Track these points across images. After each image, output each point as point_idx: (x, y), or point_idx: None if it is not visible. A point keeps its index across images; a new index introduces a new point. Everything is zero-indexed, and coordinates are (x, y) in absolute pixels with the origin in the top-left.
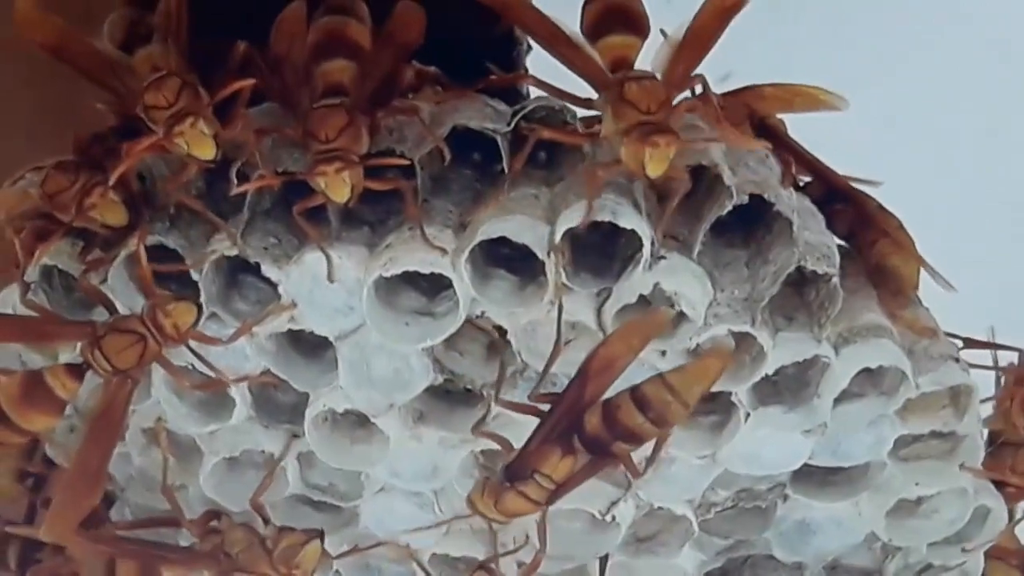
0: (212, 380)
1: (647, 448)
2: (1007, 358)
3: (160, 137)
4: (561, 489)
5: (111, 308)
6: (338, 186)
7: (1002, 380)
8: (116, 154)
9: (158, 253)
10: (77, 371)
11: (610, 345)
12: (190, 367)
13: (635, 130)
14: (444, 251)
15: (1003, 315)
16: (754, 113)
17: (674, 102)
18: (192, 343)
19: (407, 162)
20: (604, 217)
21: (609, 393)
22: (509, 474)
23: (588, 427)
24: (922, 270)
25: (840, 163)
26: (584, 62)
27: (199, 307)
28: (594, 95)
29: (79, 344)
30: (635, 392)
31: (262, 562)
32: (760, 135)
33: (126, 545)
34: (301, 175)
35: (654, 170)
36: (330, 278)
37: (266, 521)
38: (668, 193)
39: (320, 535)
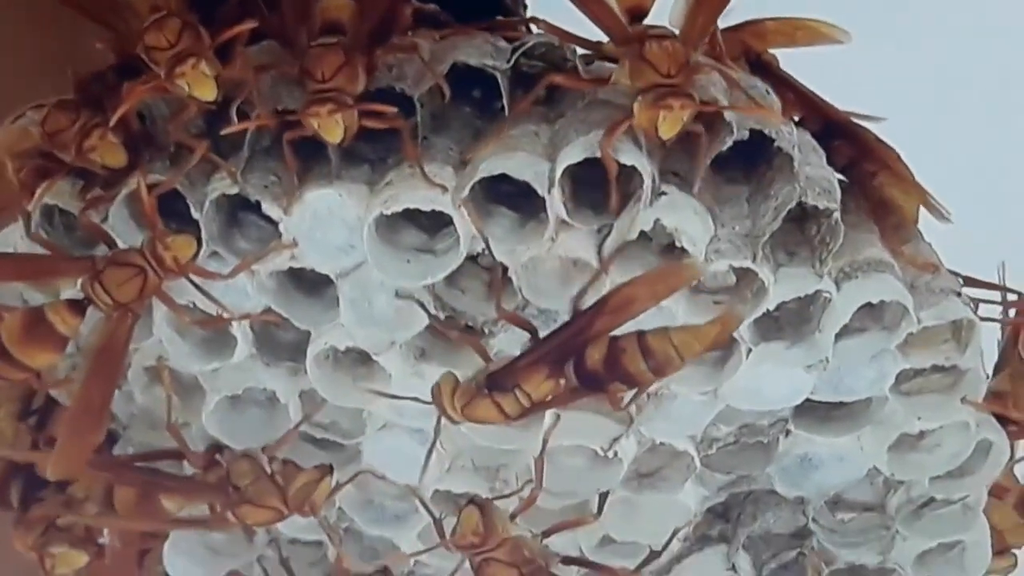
0: (213, 317)
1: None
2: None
3: (161, 78)
4: (534, 408)
5: (111, 244)
6: (331, 127)
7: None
8: (116, 93)
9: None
10: (78, 307)
11: (634, 286)
12: (191, 305)
13: (651, 91)
14: (444, 188)
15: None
16: (750, 49)
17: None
18: (193, 280)
19: (396, 109)
20: None
21: (616, 332)
22: (492, 382)
23: (588, 360)
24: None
25: (842, 99)
26: (601, 10)
27: (199, 240)
28: (603, 38)
29: (80, 280)
30: (642, 339)
31: (272, 496)
32: (755, 71)
33: (126, 472)
34: (294, 117)
35: (667, 131)
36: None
37: (271, 459)
38: None
39: (330, 470)
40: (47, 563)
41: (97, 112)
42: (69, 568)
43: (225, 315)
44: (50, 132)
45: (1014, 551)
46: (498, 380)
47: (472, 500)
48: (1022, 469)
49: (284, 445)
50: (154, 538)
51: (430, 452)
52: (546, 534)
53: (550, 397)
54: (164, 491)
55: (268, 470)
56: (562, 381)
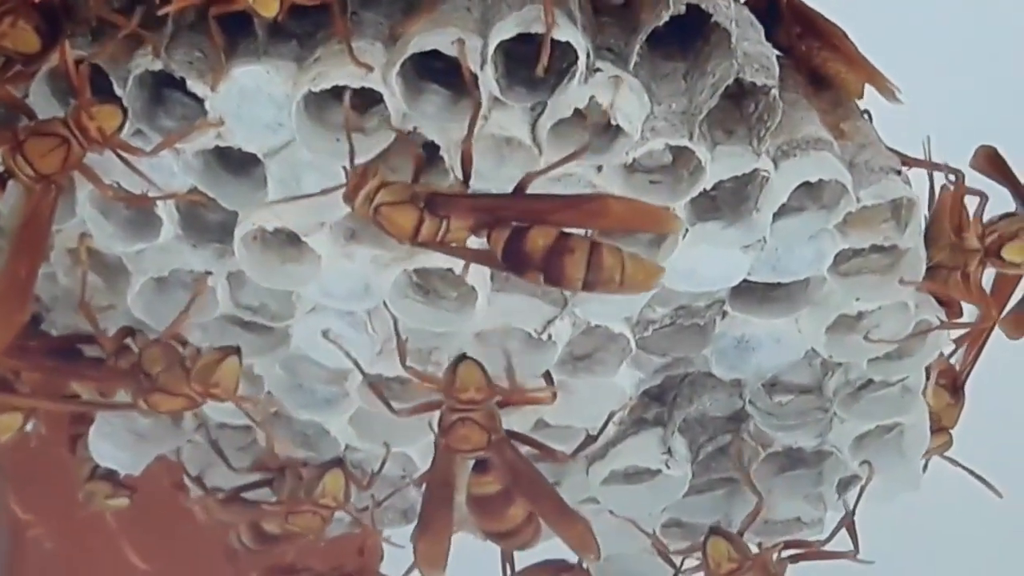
0: (138, 195)
1: None
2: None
3: None
4: (433, 245)
5: (32, 116)
6: (266, 1)
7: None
8: None
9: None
10: None
11: (617, 203)
12: (116, 185)
13: None
14: (370, 68)
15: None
16: None
17: None
18: (118, 153)
19: None
20: (538, 29)
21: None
22: (432, 201)
23: (529, 242)
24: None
25: None
26: None
27: (124, 111)
28: None
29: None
30: (595, 249)
31: (182, 383)
32: None
33: (31, 357)
34: None
35: None
36: None
37: (184, 344)
38: (603, 6)
39: (237, 351)
40: None
41: None
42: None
43: (151, 194)
44: None
45: (949, 431)
46: (438, 202)
47: (466, 356)
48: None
49: (177, 327)
50: (84, 423)
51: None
52: (501, 405)
53: (455, 244)
54: (76, 378)
55: (181, 356)
56: (477, 236)
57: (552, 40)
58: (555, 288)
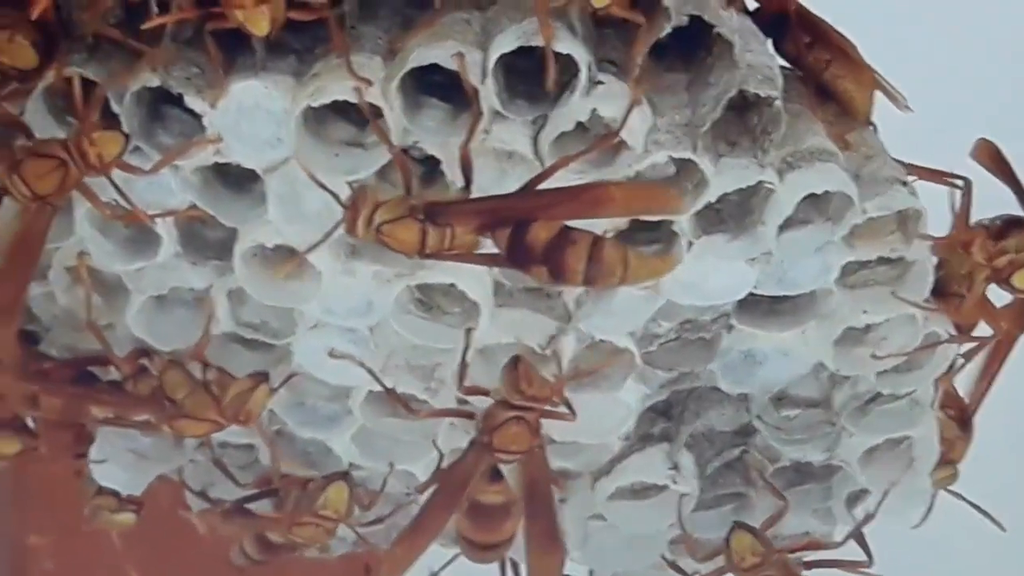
0: (136, 213)
1: None
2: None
3: None
4: (443, 255)
5: (30, 136)
6: (257, 19)
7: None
8: None
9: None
10: None
11: (616, 188)
12: (113, 202)
13: None
14: (369, 82)
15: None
16: None
17: None
18: (114, 181)
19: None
20: (538, 42)
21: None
22: (432, 211)
23: (531, 234)
24: (877, 93)
25: None
26: None
27: (126, 137)
28: None
29: None
30: (596, 242)
31: (210, 409)
32: None
33: (51, 381)
34: (218, 10)
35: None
36: None
37: (206, 366)
38: (605, 20)
39: (266, 378)
40: None
41: (7, 8)
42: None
43: (149, 211)
44: None
45: (955, 464)
46: (437, 212)
47: (521, 357)
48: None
49: (201, 351)
50: (86, 443)
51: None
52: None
53: (465, 250)
54: (96, 403)
55: (201, 379)
56: (481, 239)
57: (553, 52)
58: (558, 295)
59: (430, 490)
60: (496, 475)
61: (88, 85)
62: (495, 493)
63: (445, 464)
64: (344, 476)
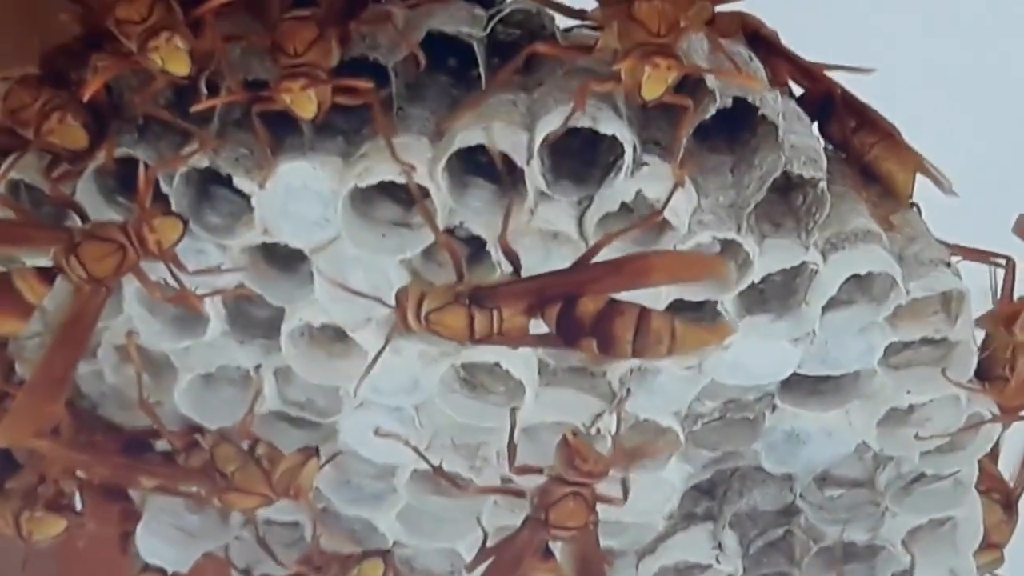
0: (185, 294)
1: None
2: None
3: (134, 53)
4: (495, 339)
5: (84, 216)
6: (303, 103)
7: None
8: (83, 67)
9: (127, 166)
10: (47, 275)
11: (658, 258)
12: (162, 281)
13: (638, 48)
14: (412, 167)
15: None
16: (747, 24)
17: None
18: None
19: (371, 85)
20: (584, 123)
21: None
22: (476, 295)
23: (580, 308)
24: (921, 175)
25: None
26: None
27: (185, 223)
28: (581, 4)
29: (53, 250)
30: (644, 313)
31: (260, 483)
32: (752, 46)
33: (101, 452)
34: (266, 93)
35: (650, 92)
36: None
37: (255, 441)
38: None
39: (316, 453)
40: (24, 529)
41: (60, 89)
42: (46, 534)
43: (198, 291)
44: (11, 109)
45: (1000, 547)
46: (483, 296)
47: (575, 432)
48: (1008, 463)
49: (247, 427)
50: (132, 520)
51: (375, 359)
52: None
53: (516, 333)
54: (147, 475)
55: (250, 454)
56: (531, 320)
57: (599, 134)
58: (603, 375)
59: (480, 568)
60: (548, 553)
61: (133, 163)
62: (547, 571)
63: (490, 543)
64: (383, 554)
